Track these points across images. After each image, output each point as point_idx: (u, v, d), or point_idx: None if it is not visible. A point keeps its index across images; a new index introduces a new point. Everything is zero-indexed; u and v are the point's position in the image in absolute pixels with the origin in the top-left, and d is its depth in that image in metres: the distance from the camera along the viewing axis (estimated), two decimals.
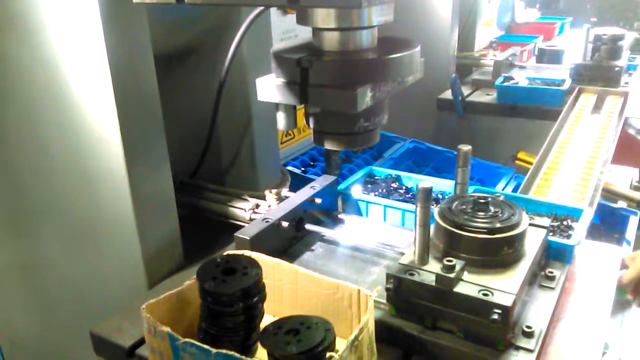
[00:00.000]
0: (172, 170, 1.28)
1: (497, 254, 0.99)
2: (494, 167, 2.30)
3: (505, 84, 2.71)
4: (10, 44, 1.15)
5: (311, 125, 1.12)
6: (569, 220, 1.31)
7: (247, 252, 1.00)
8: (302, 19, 1.03)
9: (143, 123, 1.18)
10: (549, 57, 3.29)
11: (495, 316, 0.88)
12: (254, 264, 0.93)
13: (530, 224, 1.08)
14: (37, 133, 1.22)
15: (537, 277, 1.11)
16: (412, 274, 0.96)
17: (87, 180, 1.20)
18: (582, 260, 1.24)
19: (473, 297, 0.91)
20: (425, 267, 0.97)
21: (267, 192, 1.39)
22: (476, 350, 0.92)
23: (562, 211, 1.35)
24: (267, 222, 1.18)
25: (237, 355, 0.77)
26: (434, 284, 0.94)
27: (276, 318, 0.91)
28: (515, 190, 2.02)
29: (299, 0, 0.82)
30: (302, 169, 2.18)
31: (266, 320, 0.93)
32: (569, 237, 1.23)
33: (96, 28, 1.04)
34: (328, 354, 0.77)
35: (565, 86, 2.58)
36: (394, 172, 1.61)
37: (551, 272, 1.11)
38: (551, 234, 1.26)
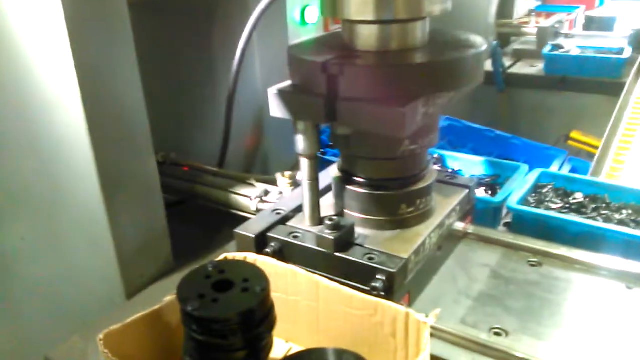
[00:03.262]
0: (161, 148, 1.03)
1: (395, 213, 0.86)
2: (543, 148, 2.08)
3: (554, 52, 2.51)
4: None
5: (339, 148, 0.90)
6: None
7: (250, 256, 0.80)
8: (330, 10, 0.79)
9: (113, 79, 0.91)
10: (598, 24, 3.14)
11: (378, 283, 0.76)
12: (259, 274, 0.69)
13: (447, 183, 0.99)
14: None
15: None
16: (295, 236, 0.86)
17: (43, 155, 0.97)
18: None
19: (356, 262, 0.79)
20: (312, 229, 0.86)
21: (278, 176, 1.22)
22: None
23: None
24: (277, 214, 0.95)
25: None
26: (315, 246, 0.83)
27: (290, 344, 0.74)
28: None
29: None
30: (321, 150, 1.93)
31: (276, 350, 0.73)
32: None
33: None
34: None
35: (626, 55, 2.36)
36: (436, 152, 1.33)
37: None
38: None
